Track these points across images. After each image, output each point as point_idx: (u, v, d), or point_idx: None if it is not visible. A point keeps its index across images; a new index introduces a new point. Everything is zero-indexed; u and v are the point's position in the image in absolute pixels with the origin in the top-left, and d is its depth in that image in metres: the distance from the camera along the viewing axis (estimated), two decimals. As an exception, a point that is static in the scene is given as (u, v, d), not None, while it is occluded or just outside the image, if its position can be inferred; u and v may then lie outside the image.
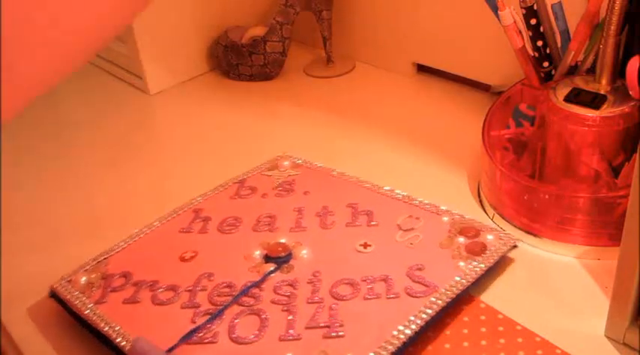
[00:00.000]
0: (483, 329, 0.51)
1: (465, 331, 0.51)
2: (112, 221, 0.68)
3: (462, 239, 0.56)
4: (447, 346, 0.50)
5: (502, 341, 0.50)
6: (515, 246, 0.57)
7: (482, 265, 0.54)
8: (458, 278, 0.52)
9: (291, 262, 0.56)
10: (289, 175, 0.68)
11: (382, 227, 0.59)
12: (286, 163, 0.70)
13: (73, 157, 0.81)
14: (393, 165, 0.73)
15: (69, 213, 0.70)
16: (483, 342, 0.50)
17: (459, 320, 0.52)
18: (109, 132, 0.85)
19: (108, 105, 0.92)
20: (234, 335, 0.50)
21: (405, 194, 0.62)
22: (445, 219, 0.59)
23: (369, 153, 0.76)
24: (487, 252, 0.55)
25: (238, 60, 0.93)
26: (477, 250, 0.55)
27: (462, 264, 0.54)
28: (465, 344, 0.50)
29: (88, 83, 0.99)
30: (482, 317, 0.52)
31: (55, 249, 0.65)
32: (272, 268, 0.56)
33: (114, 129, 0.86)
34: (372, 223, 0.60)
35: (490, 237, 0.56)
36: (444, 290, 0.51)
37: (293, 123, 0.84)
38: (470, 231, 0.57)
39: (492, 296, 0.54)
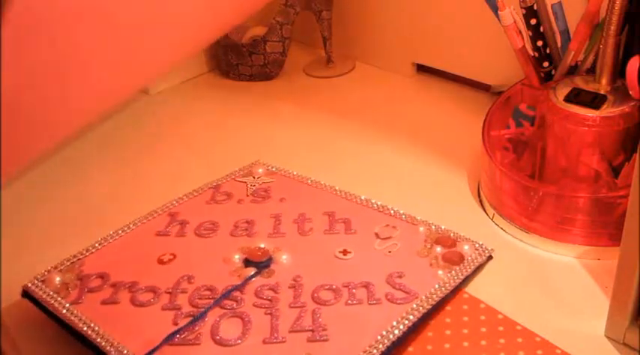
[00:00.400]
0: (483, 329, 0.51)
1: (465, 331, 0.51)
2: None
3: (439, 248, 0.57)
4: (447, 346, 0.50)
5: (502, 341, 0.50)
6: (490, 257, 0.58)
7: (461, 274, 0.55)
8: (437, 286, 0.53)
9: (272, 267, 0.57)
10: (263, 182, 0.68)
11: (360, 235, 0.60)
12: (260, 170, 0.70)
13: (73, 156, 0.81)
14: (393, 165, 0.73)
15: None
16: (483, 342, 0.50)
17: (459, 320, 0.52)
18: (108, 132, 0.85)
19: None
20: (217, 337, 0.50)
21: (381, 204, 0.63)
22: (421, 229, 0.60)
23: (369, 153, 0.76)
24: (465, 261, 0.56)
25: (238, 60, 0.93)
26: (455, 259, 0.56)
27: (440, 272, 0.55)
28: (465, 344, 0.50)
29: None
30: (482, 317, 0.52)
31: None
32: (253, 272, 0.56)
33: (113, 129, 0.86)
34: (350, 231, 0.60)
35: (466, 247, 0.58)
36: (424, 298, 0.52)
37: (293, 123, 0.84)
38: (446, 241, 0.58)
39: (492, 296, 0.54)
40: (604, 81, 0.58)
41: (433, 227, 0.60)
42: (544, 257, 0.58)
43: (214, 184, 0.68)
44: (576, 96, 0.58)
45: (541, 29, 0.62)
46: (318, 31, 0.93)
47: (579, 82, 0.60)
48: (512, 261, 0.58)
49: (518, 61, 0.63)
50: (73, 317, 0.52)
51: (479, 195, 0.66)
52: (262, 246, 0.59)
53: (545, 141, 0.60)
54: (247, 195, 0.67)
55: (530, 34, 0.62)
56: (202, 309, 0.52)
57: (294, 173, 0.69)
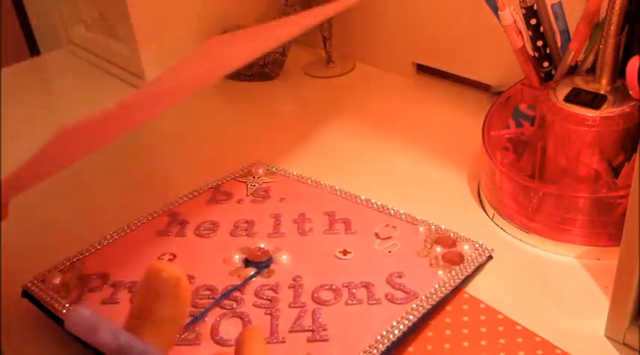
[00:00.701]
0: (483, 329, 0.51)
1: (465, 331, 0.51)
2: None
3: (439, 248, 0.57)
4: (447, 346, 0.50)
5: (502, 341, 0.50)
6: (490, 257, 0.57)
7: (461, 274, 0.55)
8: (437, 286, 0.53)
9: (272, 267, 0.57)
10: (263, 182, 0.68)
11: (360, 235, 0.60)
12: (260, 171, 0.70)
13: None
14: (393, 165, 0.73)
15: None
16: (483, 342, 0.50)
17: (459, 320, 0.52)
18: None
19: (107, 105, 0.92)
20: (217, 337, 0.50)
21: (380, 204, 0.63)
22: (421, 229, 0.60)
23: (369, 153, 0.76)
24: (465, 261, 0.56)
25: (238, 60, 0.93)
26: (455, 259, 0.56)
27: (440, 272, 0.55)
28: (465, 344, 0.50)
29: (87, 83, 0.99)
30: (482, 318, 0.52)
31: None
32: (253, 272, 0.56)
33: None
34: (350, 231, 0.60)
35: (466, 247, 0.57)
36: (424, 298, 0.52)
37: (293, 123, 0.84)
38: (446, 241, 0.58)
39: (492, 296, 0.54)
40: (604, 81, 0.58)
41: (433, 227, 0.60)
42: (544, 257, 0.58)
43: (214, 184, 0.68)
44: (576, 97, 0.58)
45: (541, 29, 0.62)
46: (318, 31, 0.93)
47: (579, 82, 0.60)
48: (512, 261, 0.58)
49: (518, 61, 0.63)
50: None
51: (479, 195, 0.66)
52: (262, 246, 0.59)
53: (545, 141, 0.60)
54: (247, 195, 0.67)
55: (530, 34, 0.62)
56: (202, 309, 0.52)
57: (294, 173, 0.69)
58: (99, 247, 0.60)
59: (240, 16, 0.98)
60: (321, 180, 0.67)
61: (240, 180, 0.69)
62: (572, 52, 0.61)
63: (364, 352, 0.48)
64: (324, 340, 0.50)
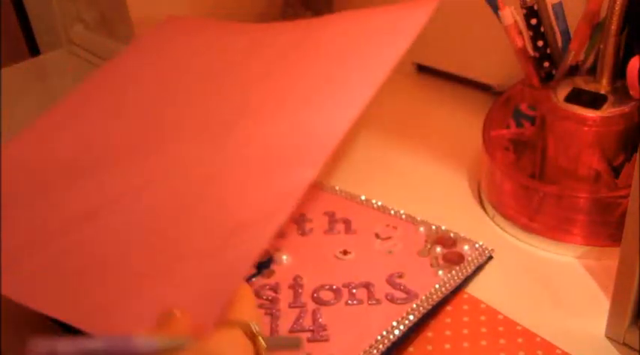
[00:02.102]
0: (483, 330, 0.51)
1: (465, 331, 0.51)
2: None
3: (439, 249, 0.57)
4: (447, 346, 0.50)
5: (502, 341, 0.50)
6: (491, 257, 0.57)
7: (461, 274, 0.55)
8: (437, 286, 0.53)
9: (272, 267, 0.57)
10: None
11: (360, 235, 0.60)
12: None
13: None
14: (393, 165, 0.73)
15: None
16: (483, 342, 0.50)
17: (459, 320, 0.52)
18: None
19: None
20: None
21: (381, 204, 0.63)
22: (421, 229, 0.60)
23: (369, 152, 0.75)
24: (465, 261, 0.56)
25: (238, 60, 0.93)
26: (455, 260, 0.56)
27: (440, 272, 0.55)
28: (465, 344, 0.50)
29: (88, 83, 0.99)
30: (483, 318, 0.52)
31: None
32: (253, 272, 0.56)
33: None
34: (350, 231, 0.60)
35: (466, 247, 0.57)
36: (424, 298, 0.52)
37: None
38: (446, 241, 0.58)
39: (492, 296, 0.54)
40: (604, 81, 0.58)
41: (433, 227, 0.60)
42: (544, 257, 0.58)
43: None
44: (577, 97, 0.58)
45: (542, 29, 0.62)
46: (319, 31, 0.93)
47: (580, 82, 0.60)
48: (513, 261, 0.58)
49: (518, 61, 0.63)
50: None
51: (479, 195, 0.66)
52: None
53: (546, 141, 0.60)
54: None
55: (531, 34, 0.62)
56: None
57: None
58: None
59: (241, 16, 0.98)
60: (321, 181, 0.67)
61: None
62: (573, 52, 0.61)
63: (364, 352, 0.48)
64: (324, 340, 0.50)
